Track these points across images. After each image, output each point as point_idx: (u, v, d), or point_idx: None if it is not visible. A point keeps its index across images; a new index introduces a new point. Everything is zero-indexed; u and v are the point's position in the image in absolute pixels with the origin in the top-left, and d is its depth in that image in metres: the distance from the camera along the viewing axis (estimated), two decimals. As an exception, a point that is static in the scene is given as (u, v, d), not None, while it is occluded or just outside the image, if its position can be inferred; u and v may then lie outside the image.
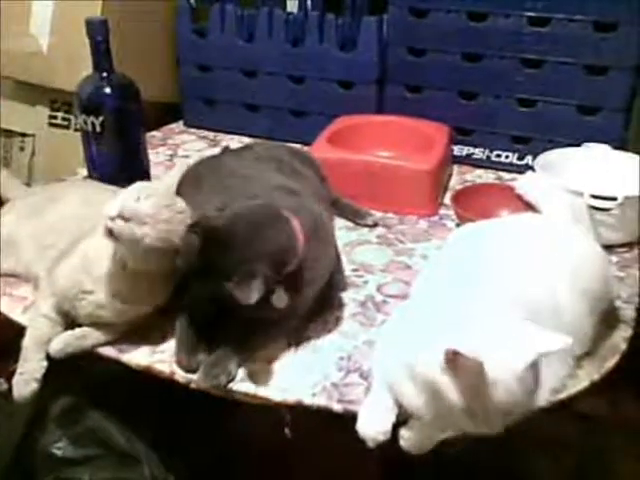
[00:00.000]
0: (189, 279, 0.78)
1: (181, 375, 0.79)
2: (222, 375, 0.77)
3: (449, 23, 1.27)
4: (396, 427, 0.71)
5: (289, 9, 1.45)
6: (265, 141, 1.31)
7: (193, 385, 0.78)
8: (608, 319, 0.84)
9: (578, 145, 1.18)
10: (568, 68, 1.21)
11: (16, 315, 0.89)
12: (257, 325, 0.82)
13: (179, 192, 1.02)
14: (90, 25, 0.99)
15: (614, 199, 0.99)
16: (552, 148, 1.17)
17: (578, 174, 1.09)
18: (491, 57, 1.26)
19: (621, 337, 0.84)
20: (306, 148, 1.27)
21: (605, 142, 1.16)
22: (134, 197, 0.76)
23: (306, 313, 0.86)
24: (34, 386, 0.80)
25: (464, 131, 1.34)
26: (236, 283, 0.70)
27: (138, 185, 0.79)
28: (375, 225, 1.13)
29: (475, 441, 0.87)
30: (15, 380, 0.80)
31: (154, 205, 0.75)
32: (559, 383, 0.74)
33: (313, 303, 0.86)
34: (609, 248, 0.96)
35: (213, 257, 0.72)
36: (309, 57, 1.38)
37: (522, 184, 1.01)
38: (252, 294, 0.69)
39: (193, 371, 0.79)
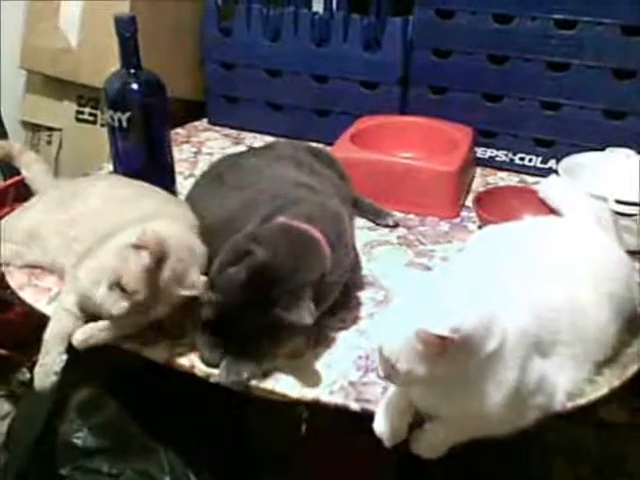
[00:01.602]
0: (229, 313, 0.78)
1: (200, 369, 0.80)
2: (244, 372, 0.77)
3: (475, 25, 1.26)
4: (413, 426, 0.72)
5: (314, 9, 1.46)
6: (286, 140, 1.32)
7: (212, 379, 0.79)
8: (630, 326, 0.83)
9: (603, 149, 1.17)
10: (594, 72, 1.20)
11: (41, 306, 0.91)
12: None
13: (199, 187, 1.04)
14: (119, 22, 1.00)
15: (638, 205, 0.98)
16: (576, 152, 1.16)
17: (602, 179, 1.08)
18: (516, 59, 1.26)
19: (642, 344, 0.83)
20: (329, 148, 1.27)
21: (630, 147, 1.15)
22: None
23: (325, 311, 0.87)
24: (53, 378, 0.82)
25: (488, 133, 1.33)
26: (289, 309, 0.75)
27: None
28: (396, 225, 1.14)
29: (493, 446, 0.87)
30: (36, 371, 0.82)
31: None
32: (576, 388, 0.74)
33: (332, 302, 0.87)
34: (633, 254, 0.95)
35: (259, 289, 0.75)
36: (333, 57, 1.39)
37: (545, 187, 1.00)
38: (307, 316, 0.74)
39: (215, 366, 0.80)
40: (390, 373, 0.65)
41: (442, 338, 0.59)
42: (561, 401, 0.72)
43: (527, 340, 0.68)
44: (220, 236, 0.85)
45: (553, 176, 1.06)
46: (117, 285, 0.76)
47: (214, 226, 0.89)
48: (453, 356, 0.61)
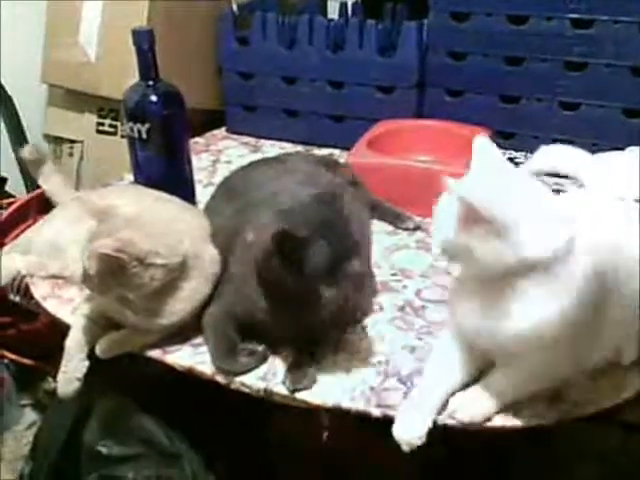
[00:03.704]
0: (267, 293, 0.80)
1: (222, 376, 0.81)
2: (305, 379, 0.78)
3: (490, 26, 1.26)
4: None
5: (330, 16, 1.46)
6: (295, 152, 1.32)
7: (233, 386, 0.80)
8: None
9: (623, 148, 1.15)
10: (613, 70, 1.19)
11: (64, 316, 0.92)
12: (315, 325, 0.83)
13: (212, 199, 1.05)
14: (136, 35, 1.01)
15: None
16: (596, 152, 1.15)
17: (622, 178, 1.06)
18: (533, 60, 1.25)
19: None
20: (345, 153, 1.27)
21: (652, 146, 1.14)
22: None
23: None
24: (76, 385, 0.83)
25: (505, 135, 1.33)
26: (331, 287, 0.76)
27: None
28: (417, 228, 1.13)
29: (519, 447, 0.87)
30: (59, 379, 0.84)
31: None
32: None
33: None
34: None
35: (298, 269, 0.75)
36: (349, 63, 1.39)
37: (550, 157, 0.99)
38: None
39: (237, 374, 0.80)
40: None
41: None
42: None
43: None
44: (220, 246, 0.88)
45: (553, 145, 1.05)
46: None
47: (218, 236, 0.90)
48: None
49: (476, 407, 0.73)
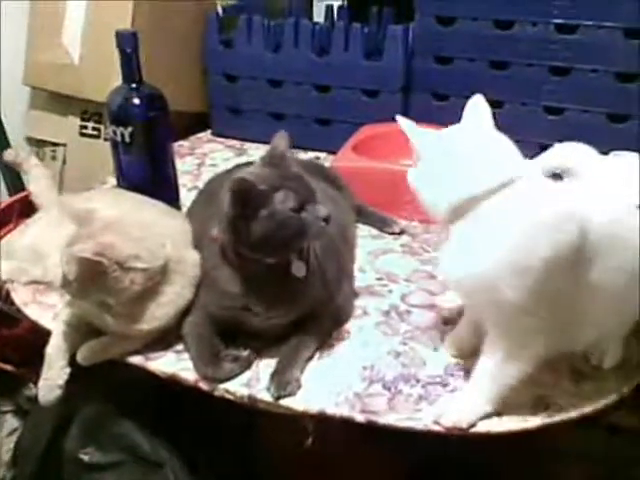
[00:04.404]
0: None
1: (206, 383, 0.80)
2: (289, 385, 0.78)
3: (475, 31, 1.26)
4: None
5: (315, 19, 1.46)
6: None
7: (217, 393, 0.79)
8: (638, 330, 0.83)
9: (607, 153, 1.16)
10: (597, 75, 1.19)
11: (46, 322, 0.91)
12: (296, 327, 0.84)
13: (194, 203, 1.04)
14: (120, 37, 1.00)
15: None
16: (580, 156, 1.15)
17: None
18: (518, 65, 1.25)
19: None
20: (331, 157, 1.27)
21: (635, 150, 1.14)
22: None
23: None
24: (57, 392, 0.82)
25: (491, 139, 1.33)
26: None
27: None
28: (402, 232, 1.13)
29: (505, 452, 0.87)
30: (40, 386, 0.82)
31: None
32: None
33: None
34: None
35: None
36: (335, 66, 1.39)
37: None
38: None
39: (221, 381, 0.79)
40: None
41: None
42: None
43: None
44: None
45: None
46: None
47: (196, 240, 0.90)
48: None
49: (462, 412, 0.73)
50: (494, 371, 0.73)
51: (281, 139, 0.84)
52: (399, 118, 0.78)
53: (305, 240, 0.80)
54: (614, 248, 0.70)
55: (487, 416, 0.74)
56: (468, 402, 0.74)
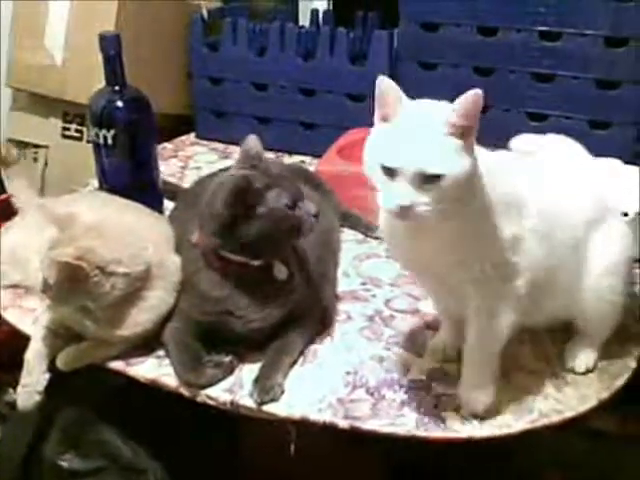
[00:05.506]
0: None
1: (187, 389, 0.79)
2: (272, 391, 0.77)
3: (460, 37, 1.27)
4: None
5: (301, 23, 1.46)
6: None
7: (199, 399, 0.79)
8: (619, 336, 0.83)
9: (589, 160, 1.17)
10: (579, 82, 1.21)
11: (25, 326, 0.90)
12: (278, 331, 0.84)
13: (175, 207, 1.04)
14: (103, 40, 1.00)
15: (625, 215, 0.98)
16: (562, 162, 1.16)
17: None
18: (501, 71, 1.26)
19: (631, 355, 0.83)
20: (316, 160, 1.27)
21: (616, 156, 1.15)
22: None
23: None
24: (37, 398, 0.81)
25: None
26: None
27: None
28: (385, 238, 1.13)
29: (484, 458, 0.87)
30: (19, 392, 0.81)
31: None
32: None
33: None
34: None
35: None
36: (320, 70, 1.39)
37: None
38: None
39: (203, 387, 0.79)
40: None
41: None
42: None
43: None
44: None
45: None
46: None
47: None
48: None
49: (473, 401, 0.75)
50: (485, 334, 0.74)
51: (252, 141, 0.84)
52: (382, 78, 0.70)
53: (299, 237, 0.80)
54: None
55: (472, 419, 0.74)
56: (475, 388, 0.75)
